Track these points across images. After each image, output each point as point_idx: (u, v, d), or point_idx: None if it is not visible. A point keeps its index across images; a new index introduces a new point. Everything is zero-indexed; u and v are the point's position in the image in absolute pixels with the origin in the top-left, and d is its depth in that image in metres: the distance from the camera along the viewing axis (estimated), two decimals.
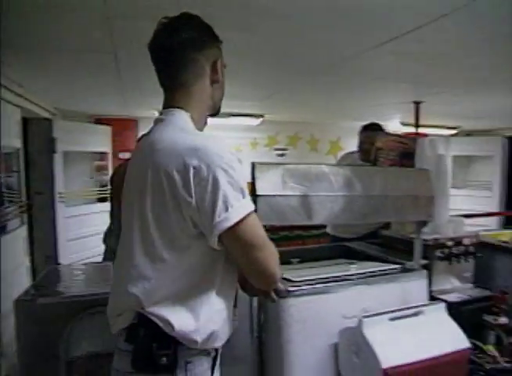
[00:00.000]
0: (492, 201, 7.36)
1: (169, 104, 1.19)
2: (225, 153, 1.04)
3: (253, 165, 1.73)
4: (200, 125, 1.23)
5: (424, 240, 2.36)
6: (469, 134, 7.82)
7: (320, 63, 2.85)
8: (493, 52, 2.47)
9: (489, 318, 2.48)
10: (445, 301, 2.27)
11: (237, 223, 1.01)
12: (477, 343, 2.24)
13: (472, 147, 7.47)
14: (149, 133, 1.19)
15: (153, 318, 1.05)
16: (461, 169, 7.89)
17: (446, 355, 1.70)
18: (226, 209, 0.99)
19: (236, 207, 1.01)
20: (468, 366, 1.99)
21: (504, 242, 3.12)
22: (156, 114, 4.36)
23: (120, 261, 1.18)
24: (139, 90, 3.95)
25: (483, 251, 2.80)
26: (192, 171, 0.98)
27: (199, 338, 1.08)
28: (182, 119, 1.14)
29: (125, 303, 1.11)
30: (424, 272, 2.20)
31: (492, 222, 6.15)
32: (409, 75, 3.02)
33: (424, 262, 2.32)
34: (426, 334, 1.64)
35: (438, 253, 2.44)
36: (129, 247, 1.09)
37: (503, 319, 2.48)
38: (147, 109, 5.11)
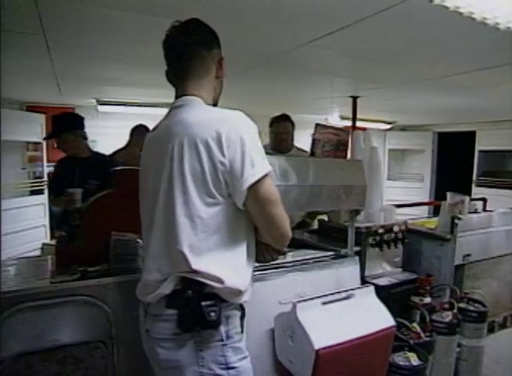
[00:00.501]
0: (423, 192, 7.88)
1: (183, 93, 1.36)
2: (248, 122, 1.25)
3: None
4: None
5: (357, 227, 2.49)
6: (403, 129, 8.29)
7: (258, 56, 2.88)
8: (426, 50, 2.63)
9: (416, 299, 2.67)
10: (375, 285, 2.42)
11: (260, 179, 1.18)
12: (404, 322, 2.41)
13: (406, 141, 7.94)
14: (168, 117, 1.36)
15: (200, 279, 1.19)
16: (396, 162, 8.36)
17: (374, 333, 1.83)
18: (252, 166, 1.17)
19: (259, 165, 1.19)
20: (393, 341, 2.15)
21: (430, 229, 3.36)
22: (95, 102, 4.19)
23: (157, 230, 1.27)
24: (75, 77, 3.76)
25: (411, 238, 3.01)
26: (224, 136, 1.17)
27: (243, 290, 1.26)
28: (201, 102, 1.33)
29: (172, 265, 1.23)
30: (356, 258, 2.32)
31: (424, 211, 6.58)
32: (345, 70, 3.14)
33: (357, 248, 2.45)
34: (356, 316, 1.74)
35: (370, 240, 2.58)
36: (170, 212, 1.21)
37: (428, 300, 2.69)
38: (85, 97, 4.89)
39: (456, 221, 3.04)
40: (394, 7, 1.78)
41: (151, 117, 5.79)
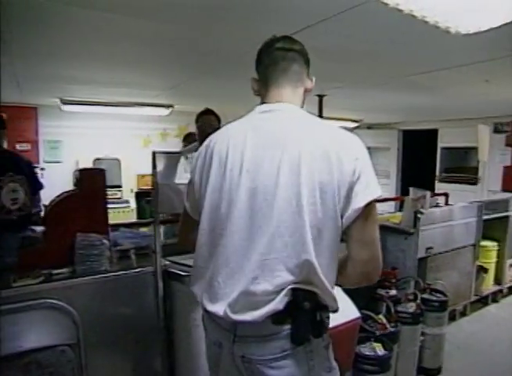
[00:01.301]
0: (390, 188, 8.10)
1: (278, 99, 1.28)
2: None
3: (153, 154, 1.72)
4: None
5: None
6: (370, 127, 8.49)
7: (226, 54, 2.89)
8: (386, 51, 2.72)
9: (382, 291, 2.76)
10: None
11: (369, 203, 1.13)
12: (370, 314, 2.49)
13: (372, 139, 8.12)
14: (261, 120, 1.27)
15: (314, 289, 1.12)
16: None
17: (340, 325, 1.88)
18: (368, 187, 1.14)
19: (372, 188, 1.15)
20: (360, 333, 2.22)
21: (395, 223, 3.48)
22: (58, 102, 4.07)
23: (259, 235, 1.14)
24: (36, 76, 3.65)
25: None
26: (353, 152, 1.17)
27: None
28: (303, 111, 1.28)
29: (293, 275, 1.11)
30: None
31: (391, 207, 6.77)
32: (310, 69, 3.19)
33: None
34: None
35: None
36: (296, 219, 1.11)
37: (393, 292, 2.79)
38: (48, 96, 4.75)
39: (418, 215, 3.17)
40: (353, 9, 1.82)
41: (118, 117, 5.79)
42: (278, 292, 1.10)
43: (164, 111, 5.49)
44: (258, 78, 1.37)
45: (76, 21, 2.15)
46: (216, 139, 1.29)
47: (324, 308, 1.16)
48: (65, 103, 4.77)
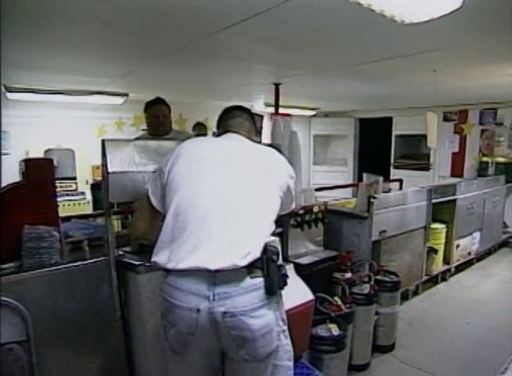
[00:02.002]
0: (347, 175, 8.32)
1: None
2: None
3: (103, 143, 1.67)
4: None
5: None
6: (327, 115, 8.64)
7: (176, 43, 2.83)
8: (338, 39, 2.75)
9: (337, 275, 2.85)
10: (298, 263, 2.54)
11: None
12: (326, 296, 2.56)
13: (330, 127, 8.29)
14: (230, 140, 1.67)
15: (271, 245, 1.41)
16: (321, 147, 8.71)
17: (296, 307, 1.93)
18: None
19: None
20: (315, 315, 2.28)
21: (349, 208, 3.59)
22: (2, 89, 3.82)
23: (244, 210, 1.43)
24: None
25: (332, 218, 3.19)
26: None
27: None
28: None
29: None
30: (277, 239, 2.40)
31: (349, 194, 6.96)
32: (264, 57, 3.19)
33: (279, 230, 2.54)
34: None
35: (291, 221, 2.69)
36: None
37: (348, 275, 2.88)
38: None
39: (371, 200, 3.28)
40: None
41: (70, 106, 5.55)
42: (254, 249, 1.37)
43: (119, 100, 5.32)
44: (218, 129, 1.81)
45: None
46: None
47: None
48: (10, 90, 4.50)
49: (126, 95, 5.19)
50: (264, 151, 1.63)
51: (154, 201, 1.52)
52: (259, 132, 2.61)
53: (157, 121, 3.04)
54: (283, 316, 1.46)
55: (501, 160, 6.11)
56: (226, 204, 1.41)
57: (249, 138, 1.70)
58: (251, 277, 1.34)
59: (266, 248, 1.36)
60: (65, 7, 2.07)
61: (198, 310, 1.32)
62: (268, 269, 1.35)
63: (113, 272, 1.94)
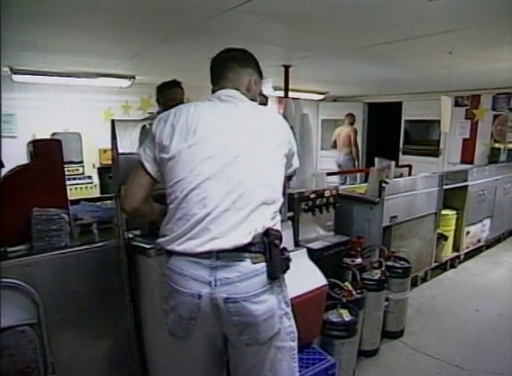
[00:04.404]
0: (354, 160, 8.19)
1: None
2: None
3: (112, 123, 1.63)
4: None
5: (290, 193, 2.54)
6: (335, 99, 8.51)
7: (184, 23, 2.76)
8: (353, 18, 2.66)
9: (347, 260, 2.82)
10: (309, 248, 2.51)
11: None
12: (337, 281, 2.54)
13: (338, 112, 8.16)
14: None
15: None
16: (329, 133, 8.60)
17: (309, 292, 1.91)
18: None
19: None
20: (327, 300, 2.26)
21: (360, 193, 3.54)
22: (8, 71, 3.74)
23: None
24: None
25: (343, 203, 3.14)
26: None
27: None
28: None
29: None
30: (289, 223, 2.38)
31: (356, 179, 6.90)
32: (275, 37, 3.09)
33: (290, 214, 2.50)
34: (290, 277, 1.78)
35: (302, 205, 2.65)
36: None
37: (359, 260, 2.85)
38: None
39: (383, 185, 3.22)
40: None
41: (77, 89, 5.49)
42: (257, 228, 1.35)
43: (126, 82, 5.26)
44: (212, 84, 1.67)
45: None
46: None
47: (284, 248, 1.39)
48: (16, 72, 4.44)
49: (133, 77, 5.12)
50: (264, 115, 1.53)
51: (149, 168, 1.43)
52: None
53: (174, 104, 2.97)
54: (286, 299, 1.43)
55: None
56: (231, 184, 1.33)
57: (249, 90, 1.57)
58: (253, 262, 1.30)
59: (268, 232, 1.32)
60: None
61: (199, 296, 1.29)
62: (270, 253, 1.30)
63: (123, 255, 1.91)
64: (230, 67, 1.55)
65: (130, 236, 1.98)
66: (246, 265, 1.29)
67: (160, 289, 1.76)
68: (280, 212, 1.46)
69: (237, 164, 1.34)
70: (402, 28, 2.87)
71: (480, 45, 3.36)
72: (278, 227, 1.38)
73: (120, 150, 1.63)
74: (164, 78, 3.09)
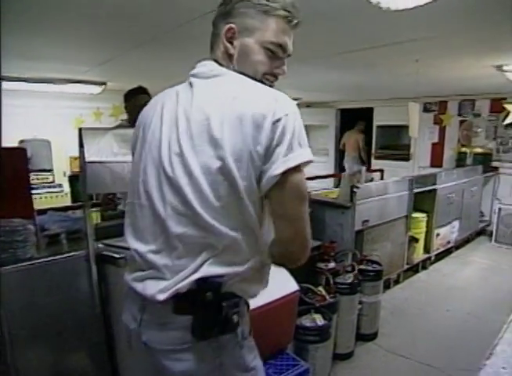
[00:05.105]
0: (329, 166, 8.33)
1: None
2: None
3: (80, 131, 1.60)
4: None
5: None
6: (308, 105, 8.61)
7: (155, 30, 2.74)
8: (322, 26, 2.71)
9: (321, 264, 2.85)
10: None
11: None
12: (310, 286, 2.56)
13: (311, 117, 8.26)
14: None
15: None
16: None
17: (280, 298, 1.91)
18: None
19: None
20: (300, 305, 2.27)
21: (333, 198, 3.59)
22: None
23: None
24: None
25: (315, 208, 3.17)
26: None
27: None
28: None
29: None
30: None
31: (331, 184, 6.99)
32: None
33: None
34: None
35: None
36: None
37: (332, 264, 2.88)
38: None
39: (354, 189, 3.28)
40: None
41: (46, 96, 5.36)
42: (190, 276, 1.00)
43: (96, 89, 5.17)
44: None
45: None
46: None
47: (233, 297, 1.01)
48: None
49: (104, 84, 5.04)
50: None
51: None
52: None
53: (140, 110, 2.95)
54: (241, 363, 1.07)
55: (478, 150, 6.22)
56: (161, 210, 1.01)
57: (229, 53, 1.06)
58: (175, 312, 1.00)
59: (205, 280, 0.97)
60: None
61: (129, 329, 1.10)
62: (198, 307, 0.98)
63: (93, 265, 1.88)
64: (213, 26, 1.11)
65: (100, 245, 1.95)
66: (167, 313, 1.01)
67: None
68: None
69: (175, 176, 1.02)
70: (370, 36, 2.93)
71: (444, 54, 3.47)
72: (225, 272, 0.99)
73: (88, 159, 1.60)
74: (135, 84, 3.07)
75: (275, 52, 1.07)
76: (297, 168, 0.94)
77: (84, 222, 1.85)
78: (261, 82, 1.05)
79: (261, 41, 1.04)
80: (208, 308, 0.98)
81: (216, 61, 1.07)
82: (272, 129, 0.92)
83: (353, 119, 8.19)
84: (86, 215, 1.80)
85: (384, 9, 1.84)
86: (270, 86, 1.08)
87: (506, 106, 5.06)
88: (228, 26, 1.04)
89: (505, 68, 3.73)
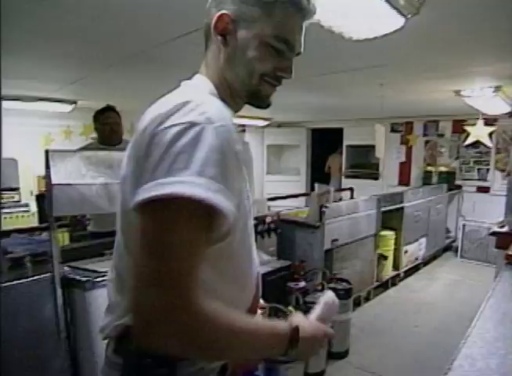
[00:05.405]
0: (300, 185, 8.45)
1: None
2: None
3: (46, 153, 1.59)
4: None
5: None
6: (280, 125, 8.76)
7: (126, 52, 2.78)
8: None
9: (291, 284, 2.88)
10: None
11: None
12: (279, 306, 2.57)
13: (283, 137, 8.42)
14: None
15: None
16: (275, 157, 8.83)
17: None
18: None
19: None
20: None
21: (302, 218, 3.64)
22: None
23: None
24: None
25: (285, 228, 3.22)
26: None
27: None
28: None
29: None
30: None
31: (302, 203, 7.06)
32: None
33: None
34: None
35: None
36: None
37: (302, 284, 2.92)
38: None
39: (323, 209, 3.35)
40: None
41: (13, 113, 5.25)
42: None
43: (67, 107, 5.11)
44: None
45: None
46: None
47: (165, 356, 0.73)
48: None
49: (75, 102, 5.00)
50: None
51: None
52: None
53: (109, 128, 2.95)
54: None
55: (443, 169, 6.49)
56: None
57: (211, 63, 0.87)
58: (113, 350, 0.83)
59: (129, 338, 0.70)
60: (10, 8, 1.97)
61: None
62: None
63: (58, 289, 1.84)
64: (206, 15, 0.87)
65: (66, 268, 1.91)
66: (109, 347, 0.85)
67: (97, 323, 1.71)
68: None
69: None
70: (337, 61, 3.06)
71: (407, 78, 3.65)
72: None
73: (54, 181, 1.59)
74: (108, 102, 3.08)
75: (280, 50, 0.84)
76: (151, 205, 0.62)
77: (50, 245, 1.82)
78: (259, 87, 0.84)
79: (262, 35, 0.81)
80: (132, 358, 0.78)
81: (205, 64, 0.88)
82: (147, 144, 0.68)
83: (324, 139, 8.40)
84: (52, 237, 1.77)
85: (347, 39, 1.93)
86: (270, 92, 0.87)
87: (466, 127, 5.32)
88: (219, 13, 0.81)
89: (462, 93, 3.95)
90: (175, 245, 0.63)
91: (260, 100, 0.88)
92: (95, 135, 3.22)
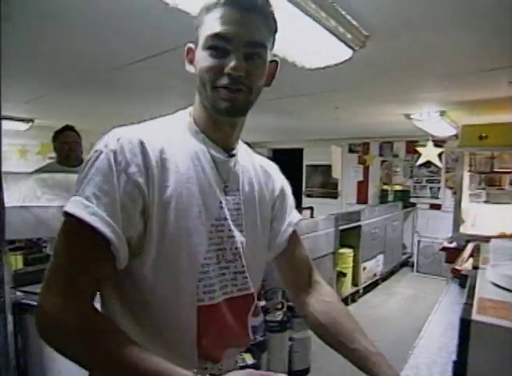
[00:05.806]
0: None
1: None
2: None
3: None
4: None
5: None
6: None
7: (83, 74, 2.80)
8: None
9: None
10: None
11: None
12: None
13: None
14: None
15: None
16: None
17: None
18: None
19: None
20: None
21: None
22: None
23: None
24: None
25: None
26: None
27: None
28: None
29: None
30: None
31: None
32: (176, 90, 3.25)
33: None
34: None
35: None
36: None
37: (262, 303, 2.95)
38: None
39: None
40: None
41: None
42: None
43: (23, 126, 4.97)
44: None
45: None
46: None
47: None
48: None
49: (31, 120, 4.88)
50: None
51: None
52: None
53: (68, 147, 2.90)
54: None
55: (398, 187, 6.79)
56: None
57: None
58: None
59: None
60: None
61: None
62: None
63: (9, 315, 1.77)
64: None
65: (18, 293, 1.85)
66: None
67: (51, 350, 1.66)
68: None
69: None
70: (292, 86, 3.19)
71: (360, 102, 3.86)
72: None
73: (7, 204, 1.56)
74: (65, 122, 3.03)
75: (219, 47, 0.78)
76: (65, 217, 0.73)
77: (1, 269, 1.76)
78: (215, 94, 0.80)
79: (202, 43, 0.80)
80: None
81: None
82: None
83: (285, 159, 8.56)
84: (4, 260, 1.72)
85: (300, 68, 2.04)
86: (229, 97, 0.80)
87: (418, 148, 5.63)
88: (186, 47, 0.86)
89: (412, 117, 4.21)
90: (59, 254, 0.73)
91: (221, 107, 0.81)
92: (53, 154, 3.16)
